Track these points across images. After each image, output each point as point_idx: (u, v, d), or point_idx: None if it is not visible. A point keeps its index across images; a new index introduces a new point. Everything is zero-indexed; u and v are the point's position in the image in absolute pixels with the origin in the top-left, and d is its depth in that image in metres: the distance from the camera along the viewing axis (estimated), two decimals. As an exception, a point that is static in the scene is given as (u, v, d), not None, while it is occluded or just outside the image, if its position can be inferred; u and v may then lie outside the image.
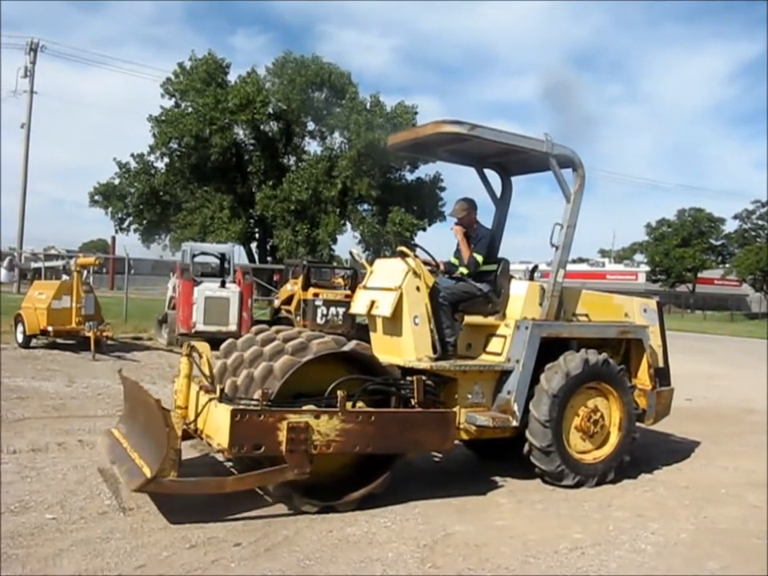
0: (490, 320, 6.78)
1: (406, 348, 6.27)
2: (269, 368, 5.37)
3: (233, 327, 15.97)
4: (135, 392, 6.06)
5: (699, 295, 66.76)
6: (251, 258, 39.00)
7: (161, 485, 4.93)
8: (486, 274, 6.84)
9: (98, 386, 10.52)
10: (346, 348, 5.54)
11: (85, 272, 15.30)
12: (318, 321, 17.05)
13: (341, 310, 17.25)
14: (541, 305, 6.71)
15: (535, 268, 7.75)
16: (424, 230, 39.02)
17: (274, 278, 29.83)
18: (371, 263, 7.01)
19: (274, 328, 6.34)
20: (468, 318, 6.75)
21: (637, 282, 68.79)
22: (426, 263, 6.63)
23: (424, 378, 5.82)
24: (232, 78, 38.37)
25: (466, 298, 6.74)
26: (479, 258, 6.78)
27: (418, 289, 6.28)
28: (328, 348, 5.46)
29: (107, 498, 5.42)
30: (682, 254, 64.08)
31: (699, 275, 68.08)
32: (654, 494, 6.49)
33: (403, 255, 6.37)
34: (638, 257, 77.64)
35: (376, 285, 6.65)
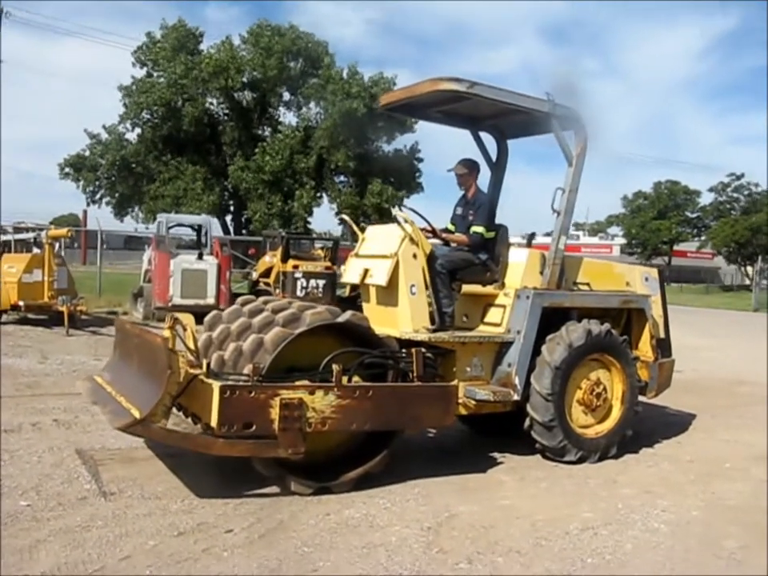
0: (489, 289, 6.47)
1: (403, 319, 5.94)
2: (259, 341, 5.01)
3: (211, 300, 15.57)
4: (135, 333, 5.61)
5: (674, 268, 67.15)
6: (226, 231, 38.40)
7: (149, 430, 4.58)
8: (484, 242, 6.51)
9: (72, 363, 10.10)
10: (341, 319, 5.19)
11: (57, 245, 14.77)
12: (298, 293, 16.67)
13: (321, 282, 16.88)
14: (541, 273, 6.41)
15: (533, 235, 7.45)
16: (401, 201, 38.58)
17: (249, 251, 29.29)
18: (362, 230, 6.67)
19: (262, 299, 5.98)
20: (465, 287, 6.42)
21: (611, 255, 68.92)
22: (422, 230, 6.28)
23: (423, 350, 5.50)
24: (205, 48, 37.55)
25: (464, 266, 6.41)
26: (481, 230, 6.47)
27: (414, 256, 5.94)
28: (322, 319, 5.10)
29: (86, 481, 5.06)
30: (658, 227, 64.33)
31: (674, 248, 68.45)
32: (659, 470, 6.26)
33: (399, 221, 6.02)
34: (612, 230, 77.96)
35: (369, 252, 6.30)
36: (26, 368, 9.52)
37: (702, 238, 67.84)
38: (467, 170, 6.63)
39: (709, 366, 13.26)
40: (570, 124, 6.35)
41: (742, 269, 63.54)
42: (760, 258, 41.66)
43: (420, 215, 6.36)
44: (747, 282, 58.06)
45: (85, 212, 45.29)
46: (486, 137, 7.22)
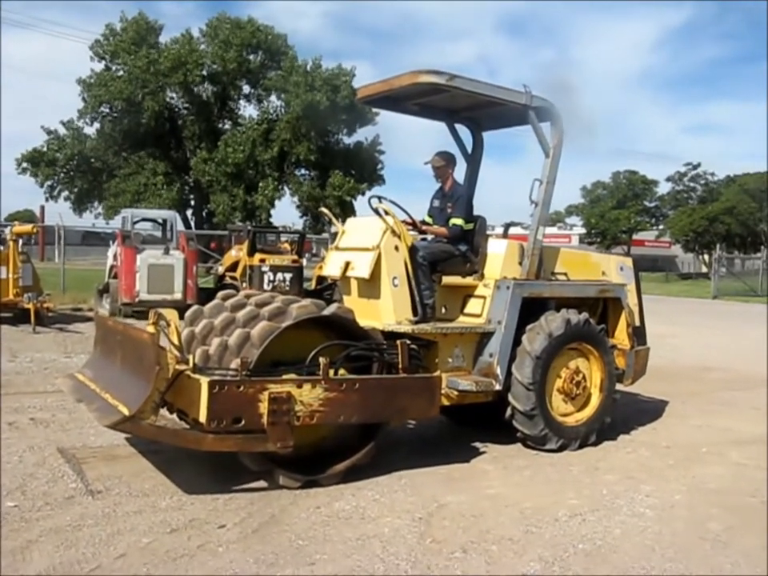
0: (468, 280, 6.51)
1: (385, 311, 5.95)
2: (245, 335, 4.97)
3: (178, 295, 15.42)
4: (119, 330, 5.53)
5: (632, 256, 67.85)
6: (187, 225, 37.97)
7: (138, 427, 4.53)
8: (463, 233, 6.54)
9: (43, 360, 9.94)
10: (326, 312, 5.19)
11: (21, 241, 14.47)
12: (265, 286, 16.57)
13: (288, 276, 16.81)
14: (520, 263, 6.47)
15: (509, 225, 7.50)
16: (363, 194, 38.47)
17: (211, 245, 28.96)
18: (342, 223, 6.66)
19: (243, 293, 5.94)
20: (446, 279, 6.45)
21: (570, 244, 69.53)
22: (402, 222, 6.28)
23: (408, 342, 5.51)
24: (164, 41, 37.02)
25: (444, 257, 6.45)
26: (460, 222, 6.50)
27: (396, 248, 5.95)
28: (308, 312, 5.09)
29: (71, 480, 5.00)
30: (617, 216, 65.03)
31: (633, 237, 69.28)
32: (638, 455, 6.36)
33: (380, 213, 6.02)
34: (571, 219, 78.68)
35: (350, 245, 6.29)
36: (-5, 367, 9.34)
37: (660, 227, 68.78)
38: (444, 162, 6.66)
39: (674, 353, 13.46)
40: (546, 116, 6.40)
41: (700, 257, 64.60)
42: (718, 246, 42.28)
43: (400, 207, 6.36)
44: (704, 269, 59.03)
45: (42, 207, 44.60)
46: (460, 129, 7.26)
